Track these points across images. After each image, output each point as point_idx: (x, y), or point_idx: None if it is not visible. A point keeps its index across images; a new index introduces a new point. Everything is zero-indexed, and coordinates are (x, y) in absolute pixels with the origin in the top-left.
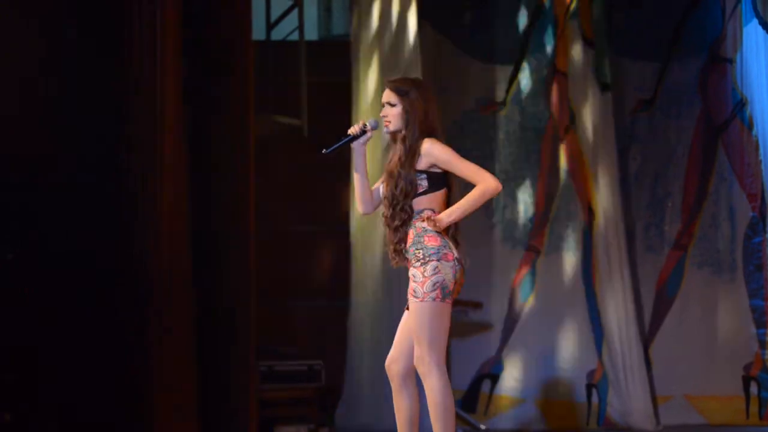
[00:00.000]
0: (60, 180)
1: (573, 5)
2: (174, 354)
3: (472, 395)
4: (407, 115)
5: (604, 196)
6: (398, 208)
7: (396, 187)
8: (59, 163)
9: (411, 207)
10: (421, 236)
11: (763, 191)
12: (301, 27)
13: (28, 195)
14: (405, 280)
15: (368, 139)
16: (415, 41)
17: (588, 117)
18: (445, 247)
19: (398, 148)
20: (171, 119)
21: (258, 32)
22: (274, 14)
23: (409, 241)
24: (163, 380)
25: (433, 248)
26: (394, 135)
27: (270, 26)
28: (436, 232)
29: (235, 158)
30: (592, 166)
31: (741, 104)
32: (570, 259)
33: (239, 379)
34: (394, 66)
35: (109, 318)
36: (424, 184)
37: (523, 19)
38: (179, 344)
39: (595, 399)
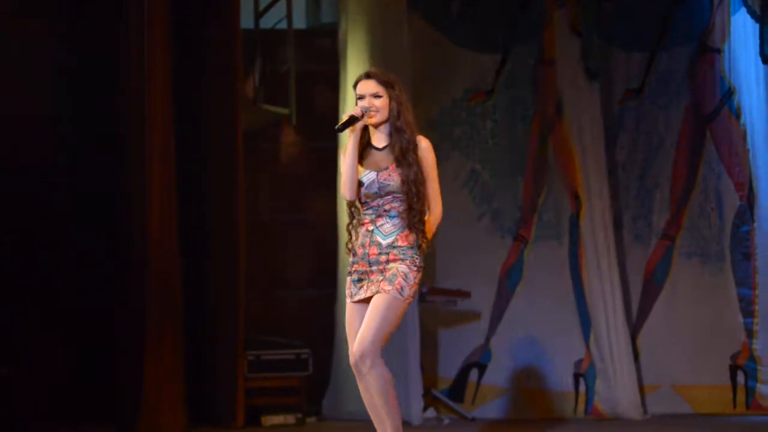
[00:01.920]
0: (50, 178)
1: None
2: (161, 343)
3: (459, 384)
4: (396, 107)
5: (591, 186)
6: (415, 199)
7: (409, 175)
8: (49, 161)
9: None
10: (419, 244)
11: (750, 180)
12: (289, 15)
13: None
14: None
15: (364, 123)
16: (404, 30)
17: (576, 106)
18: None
19: (395, 139)
20: (159, 110)
21: (246, 21)
22: (263, 3)
23: (404, 241)
24: (151, 370)
25: (420, 259)
26: (377, 125)
27: (258, 15)
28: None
29: (223, 147)
30: (579, 155)
31: (729, 93)
32: (558, 249)
33: (227, 368)
34: (382, 54)
35: (98, 307)
36: None
37: (511, 8)
38: (167, 333)
39: (582, 388)
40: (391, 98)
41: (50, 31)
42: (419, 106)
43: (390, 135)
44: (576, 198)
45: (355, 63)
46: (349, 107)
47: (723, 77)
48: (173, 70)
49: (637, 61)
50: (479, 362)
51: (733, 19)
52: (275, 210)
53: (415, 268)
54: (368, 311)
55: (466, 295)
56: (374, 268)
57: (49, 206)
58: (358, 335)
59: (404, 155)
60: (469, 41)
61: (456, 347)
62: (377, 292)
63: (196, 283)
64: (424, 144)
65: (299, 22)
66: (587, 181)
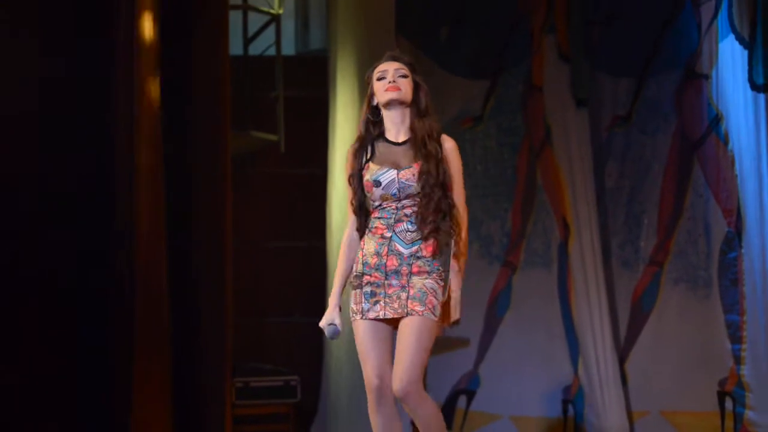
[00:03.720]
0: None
1: (549, 20)
2: (149, 370)
3: (447, 411)
4: (419, 90)
5: (580, 212)
6: (439, 198)
7: (431, 170)
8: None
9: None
10: (449, 256)
11: (738, 207)
12: (278, 42)
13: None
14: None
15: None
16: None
17: (564, 133)
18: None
19: (419, 124)
20: (148, 136)
21: (235, 47)
22: (252, 29)
23: (430, 251)
24: (139, 397)
25: (446, 274)
26: (399, 106)
27: (247, 41)
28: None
29: (212, 174)
30: (568, 181)
31: (717, 120)
32: (546, 275)
33: (215, 395)
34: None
35: (85, 333)
36: None
37: (499, 35)
38: (154, 360)
39: (571, 414)
40: (416, 82)
41: (42, 48)
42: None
43: (412, 128)
44: (564, 224)
45: (344, 89)
46: (338, 134)
47: (711, 103)
48: (162, 95)
49: (625, 87)
50: (468, 389)
51: (721, 45)
52: (263, 236)
53: (442, 282)
54: (402, 339)
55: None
56: (394, 281)
57: (27, 223)
58: (396, 370)
59: (425, 145)
60: (457, 67)
61: (444, 374)
62: (405, 313)
63: (183, 309)
64: (449, 144)
65: (288, 49)
66: (575, 207)
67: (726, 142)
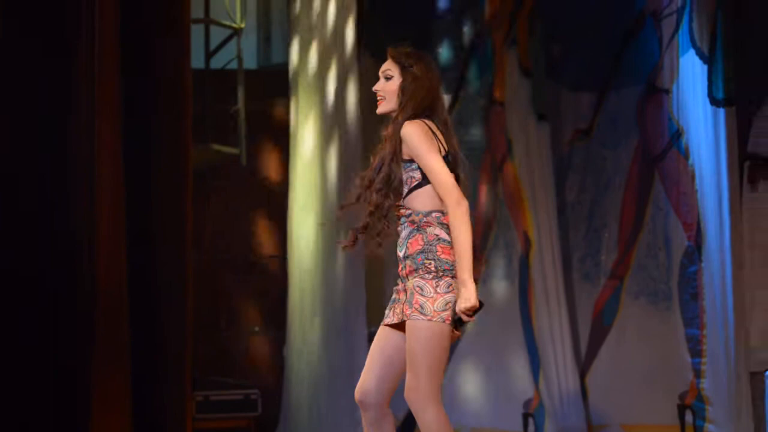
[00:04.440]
0: None
1: (511, 35)
2: (108, 383)
3: (407, 426)
4: (403, 94)
5: (541, 226)
6: (380, 194)
7: (385, 177)
8: None
9: (395, 193)
10: (434, 245)
11: (698, 221)
12: (239, 56)
13: None
14: (341, 308)
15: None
16: (355, 69)
17: (525, 147)
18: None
19: (389, 130)
20: (109, 149)
21: (197, 61)
22: (213, 43)
23: (414, 246)
24: (98, 410)
25: (448, 262)
26: (391, 116)
27: (209, 55)
28: (449, 243)
29: (172, 186)
30: (529, 196)
31: (677, 134)
32: (507, 289)
33: (175, 409)
34: (333, 95)
35: (44, 347)
36: (416, 175)
37: (461, 49)
38: (113, 373)
39: (531, 428)
40: (405, 81)
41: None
42: (371, 142)
43: None
44: (526, 238)
45: (305, 103)
46: (299, 148)
47: (671, 118)
48: (124, 108)
49: (586, 102)
50: None
51: (681, 59)
52: (224, 250)
53: (430, 276)
54: (406, 351)
55: None
56: (401, 286)
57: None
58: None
59: (383, 151)
60: None
61: (404, 387)
62: (402, 319)
63: (143, 323)
64: (405, 131)
65: (250, 63)
66: (537, 221)
67: (686, 157)
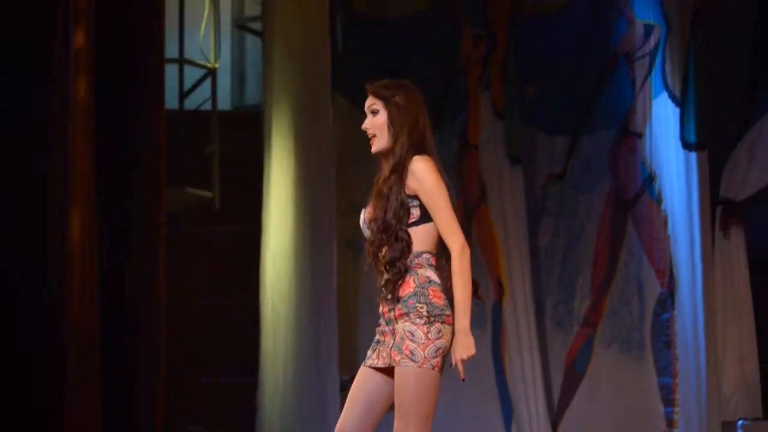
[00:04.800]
0: None
1: (485, 77)
2: (78, 427)
3: None
4: (393, 126)
5: (514, 272)
6: (392, 237)
7: (386, 211)
8: None
9: (408, 237)
10: (426, 287)
11: (671, 267)
12: (214, 97)
13: None
14: (314, 355)
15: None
16: (329, 110)
17: (499, 191)
18: (448, 307)
19: (386, 164)
20: (82, 191)
21: (171, 101)
22: (187, 83)
23: (406, 289)
24: None
25: (438, 306)
26: (385, 153)
27: (183, 95)
28: (440, 286)
29: (146, 230)
30: (502, 240)
31: (650, 179)
32: (480, 335)
33: None
34: (307, 135)
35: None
36: (415, 212)
37: (434, 91)
38: (85, 423)
39: None
40: (391, 113)
41: None
42: (345, 185)
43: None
44: (499, 284)
45: (280, 145)
46: (273, 190)
47: (644, 162)
48: (97, 150)
49: (560, 145)
50: None
51: (654, 102)
52: (196, 294)
53: (421, 321)
54: (395, 397)
55: None
56: (388, 328)
57: None
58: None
59: (386, 184)
60: None
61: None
62: (390, 364)
63: (115, 368)
64: (415, 165)
65: (224, 104)
66: (510, 266)
67: (659, 202)
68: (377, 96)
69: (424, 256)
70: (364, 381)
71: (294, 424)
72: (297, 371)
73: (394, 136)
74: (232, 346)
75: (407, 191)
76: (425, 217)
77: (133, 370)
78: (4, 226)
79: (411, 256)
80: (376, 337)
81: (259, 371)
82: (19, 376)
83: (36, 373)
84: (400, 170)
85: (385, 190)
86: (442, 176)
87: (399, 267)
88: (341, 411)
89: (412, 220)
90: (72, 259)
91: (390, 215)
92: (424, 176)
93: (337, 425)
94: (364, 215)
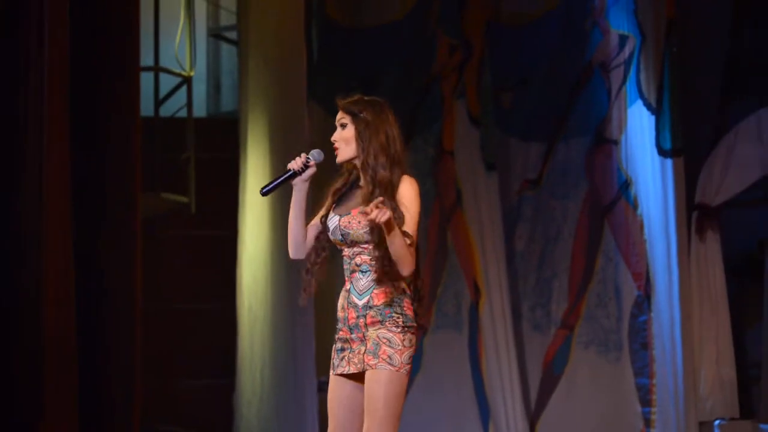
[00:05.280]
0: None
1: (460, 85)
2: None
3: None
4: (361, 140)
5: (490, 275)
6: (384, 249)
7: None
8: None
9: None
10: (401, 299)
11: (648, 271)
12: (189, 104)
13: None
14: (290, 356)
15: (311, 175)
16: (304, 118)
17: (474, 196)
18: (416, 318)
19: (364, 183)
20: (56, 197)
21: (146, 109)
22: (163, 90)
23: (381, 298)
24: None
25: (410, 318)
26: (348, 164)
27: (158, 102)
28: (411, 297)
29: (122, 235)
30: (479, 245)
31: (626, 185)
32: (457, 337)
33: None
34: (283, 143)
35: None
36: None
37: (410, 98)
38: (61, 423)
39: None
40: (359, 128)
41: None
42: (320, 193)
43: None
44: (475, 287)
45: (255, 152)
46: (248, 196)
47: (620, 168)
48: (72, 157)
49: (535, 152)
50: None
51: (629, 110)
52: (173, 298)
53: (398, 329)
54: (365, 395)
55: None
56: (354, 335)
57: None
58: (365, 425)
59: (371, 198)
60: None
61: None
62: (363, 368)
63: (92, 371)
64: (406, 190)
65: (199, 111)
66: (486, 270)
67: (635, 207)
68: (345, 111)
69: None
70: (339, 391)
71: (271, 425)
72: (274, 372)
73: (364, 150)
74: (209, 347)
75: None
76: None
77: (110, 372)
78: None
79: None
80: (338, 344)
81: (236, 372)
82: None
83: (13, 376)
84: (390, 186)
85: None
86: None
87: (392, 269)
88: (318, 412)
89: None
90: (48, 264)
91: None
92: (409, 196)
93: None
94: (339, 222)
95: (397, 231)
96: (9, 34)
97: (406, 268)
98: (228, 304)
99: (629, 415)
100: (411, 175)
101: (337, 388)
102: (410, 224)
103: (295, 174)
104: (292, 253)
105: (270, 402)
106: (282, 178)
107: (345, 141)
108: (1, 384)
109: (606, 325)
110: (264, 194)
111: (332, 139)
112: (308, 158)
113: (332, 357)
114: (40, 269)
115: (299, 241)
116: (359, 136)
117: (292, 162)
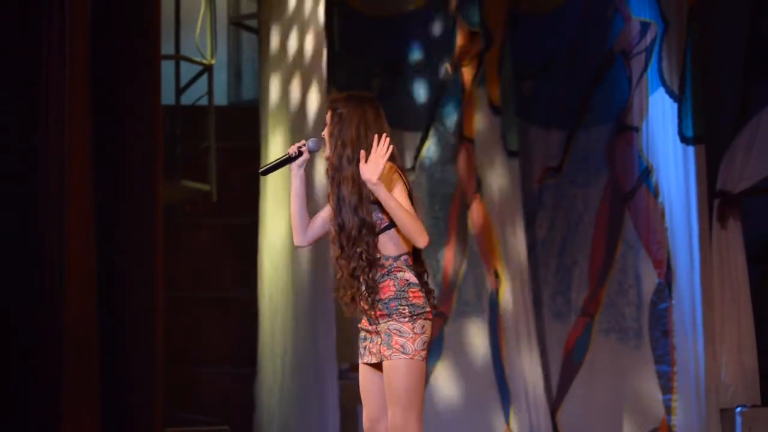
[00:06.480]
0: None
1: (481, 73)
2: (79, 421)
3: None
4: (330, 136)
5: (511, 263)
6: (355, 249)
7: (348, 222)
8: None
9: (373, 247)
10: (405, 290)
11: (668, 258)
12: (210, 92)
13: None
14: (311, 345)
15: (305, 161)
16: (323, 107)
17: (495, 184)
18: (427, 303)
19: (347, 174)
20: (79, 185)
21: (167, 97)
22: (184, 79)
23: (386, 292)
24: None
25: (419, 306)
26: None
27: (179, 91)
28: (418, 286)
29: (143, 223)
30: (499, 232)
31: (647, 172)
32: (477, 325)
33: None
34: (301, 131)
35: (11, 391)
36: (384, 217)
37: (431, 86)
38: (84, 412)
39: None
40: (333, 123)
41: None
42: None
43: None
44: (495, 275)
45: (275, 140)
46: (269, 184)
47: (641, 156)
48: (94, 145)
49: (556, 139)
50: None
51: (651, 98)
52: (195, 286)
53: (405, 319)
54: (386, 389)
55: None
56: (371, 327)
57: None
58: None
59: (348, 195)
60: (390, 118)
61: None
62: (381, 359)
63: (114, 359)
64: (386, 169)
65: (220, 99)
66: (507, 258)
67: (656, 194)
68: (329, 108)
69: (402, 258)
70: (370, 374)
71: (293, 412)
72: (295, 361)
73: (333, 147)
74: (229, 336)
75: (373, 199)
76: (393, 222)
77: (131, 362)
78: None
79: (390, 260)
80: (362, 334)
81: (257, 361)
82: (18, 371)
83: (35, 366)
84: (360, 180)
85: (346, 201)
86: (403, 178)
87: (367, 276)
88: (339, 399)
89: (383, 226)
90: (70, 253)
91: (352, 227)
92: (393, 186)
93: (364, 419)
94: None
95: (388, 194)
96: (31, 23)
97: (419, 238)
98: (249, 293)
99: (650, 403)
100: (401, 166)
101: (366, 374)
102: (402, 202)
103: (291, 159)
104: (297, 239)
105: (291, 390)
106: (279, 161)
107: (327, 137)
108: (23, 376)
109: (626, 312)
110: (262, 174)
111: (322, 135)
112: (303, 145)
113: (359, 345)
114: (62, 258)
115: (298, 227)
116: (330, 134)
117: (291, 147)
